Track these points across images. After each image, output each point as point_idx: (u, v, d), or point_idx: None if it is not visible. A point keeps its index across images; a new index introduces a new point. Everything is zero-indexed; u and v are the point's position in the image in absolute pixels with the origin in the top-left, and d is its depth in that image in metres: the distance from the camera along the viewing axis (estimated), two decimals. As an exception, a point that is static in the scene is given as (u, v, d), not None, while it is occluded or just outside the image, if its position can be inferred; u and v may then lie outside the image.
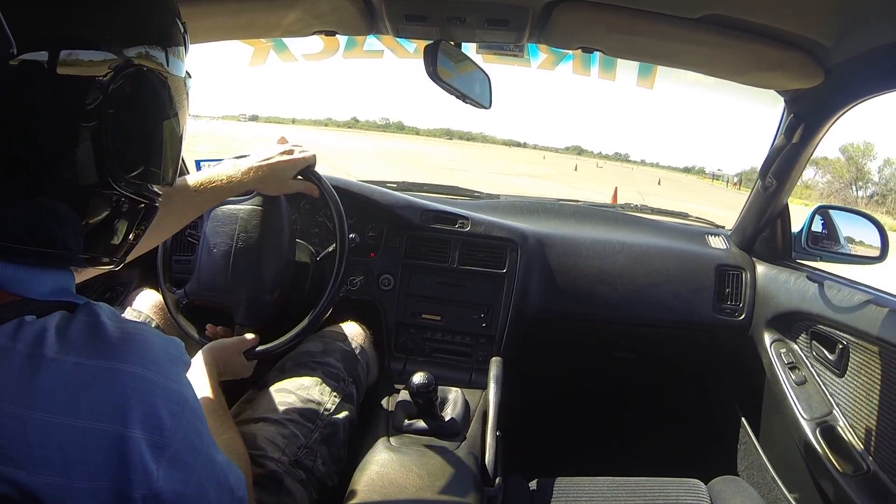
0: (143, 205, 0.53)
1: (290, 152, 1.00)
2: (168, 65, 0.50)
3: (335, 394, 1.01)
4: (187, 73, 0.55)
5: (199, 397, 0.50)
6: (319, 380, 1.01)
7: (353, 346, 1.14)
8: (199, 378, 0.86)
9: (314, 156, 1.02)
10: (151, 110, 0.50)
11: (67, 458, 0.40)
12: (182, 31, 0.54)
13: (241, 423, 0.92)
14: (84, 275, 0.57)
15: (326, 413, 0.97)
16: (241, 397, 1.03)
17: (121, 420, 0.42)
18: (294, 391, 0.98)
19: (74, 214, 0.47)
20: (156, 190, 0.54)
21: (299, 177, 1.02)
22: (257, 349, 1.00)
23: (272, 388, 0.99)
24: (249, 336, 1.00)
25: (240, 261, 1.04)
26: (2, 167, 0.42)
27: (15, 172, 0.42)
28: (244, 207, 1.05)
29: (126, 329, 0.45)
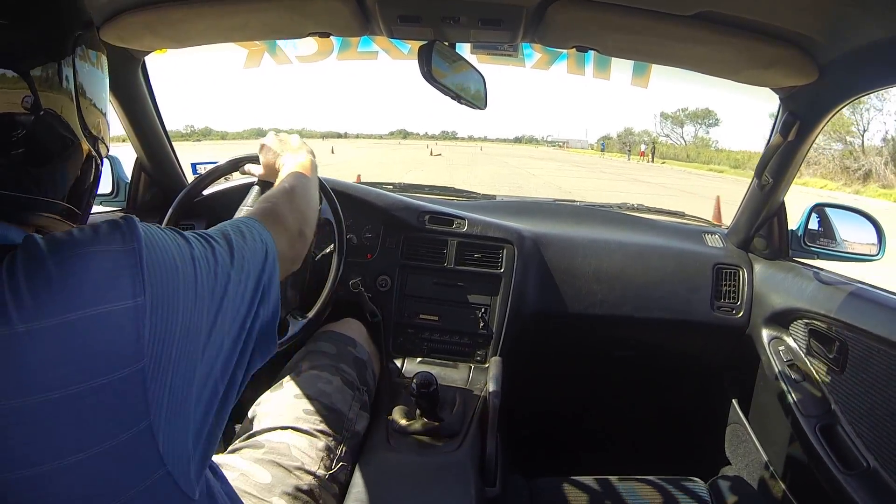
0: (97, 161, 0.53)
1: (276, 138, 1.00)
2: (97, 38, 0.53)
3: (354, 403, 1.01)
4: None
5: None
6: (339, 387, 1.01)
7: (362, 353, 1.15)
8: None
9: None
10: (98, 71, 0.52)
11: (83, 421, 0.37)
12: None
13: (266, 431, 0.92)
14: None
15: (350, 423, 0.98)
16: (254, 399, 1.02)
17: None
18: (317, 398, 0.97)
19: (53, 167, 0.46)
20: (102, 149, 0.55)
21: None
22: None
23: (292, 393, 0.98)
24: None
25: None
26: None
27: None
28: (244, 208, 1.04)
29: (65, 266, 0.39)
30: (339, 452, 0.92)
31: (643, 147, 50.83)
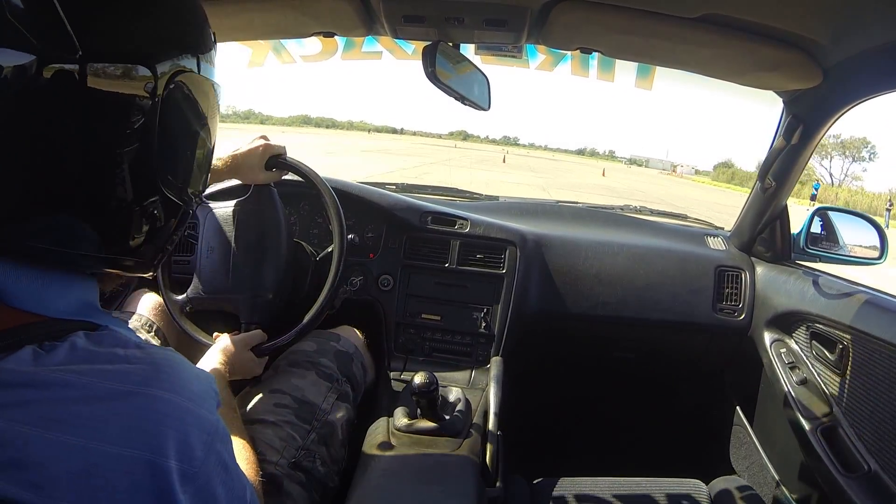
0: (180, 209, 0.52)
1: (263, 142, 1.04)
2: (200, 72, 0.51)
3: (330, 393, 1.01)
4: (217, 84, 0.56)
5: None
6: (313, 380, 1.01)
7: (347, 347, 1.14)
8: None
9: (283, 146, 1.06)
10: (193, 117, 0.51)
11: (93, 484, 0.38)
12: (213, 38, 0.55)
13: None
14: (110, 283, 0.55)
15: (322, 413, 0.97)
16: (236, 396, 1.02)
17: (154, 447, 0.40)
18: (289, 392, 0.97)
19: (106, 215, 0.46)
20: (191, 194, 0.54)
21: (273, 168, 1.04)
22: (264, 346, 1.00)
23: (266, 389, 0.98)
24: (257, 333, 1.00)
25: (239, 261, 1.04)
26: (41, 172, 0.41)
27: (55, 177, 0.41)
28: (240, 208, 1.05)
29: (157, 354, 0.45)
30: (303, 441, 0.91)
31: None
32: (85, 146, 0.42)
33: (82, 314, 0.45)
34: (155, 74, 0.45)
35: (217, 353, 0.93)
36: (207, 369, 0.88)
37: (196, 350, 0.99)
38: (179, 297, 1.08)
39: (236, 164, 1.01)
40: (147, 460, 0.40)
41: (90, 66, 0.40)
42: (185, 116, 0.50)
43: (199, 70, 0.51)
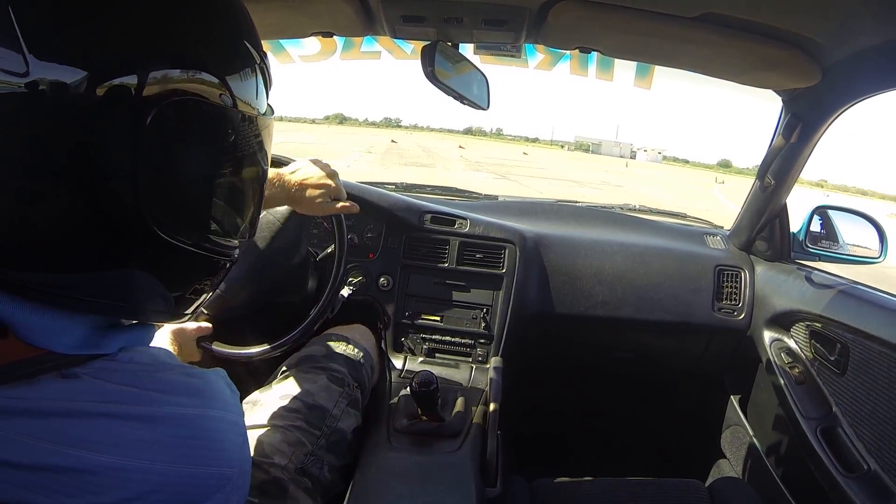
0: (213, 261, 0.48)
1: (330, 177, 0.94)
2: (228, 93, 0.43)
3: (341, 399, 1.00)
4: (269, 107, 0.48)
5: None
6: (324, 385, 1.01)
7: (357, 351, 1.14)
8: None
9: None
10: (206, 146, 0.43)
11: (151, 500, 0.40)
12: (257, 58, 0.46)
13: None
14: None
15: (333, 420, 0.97)
16: (243, 398, 1.02)
17: (214, 461, 0.44)
18: (299, 397, 0.97)
19: (128, 264, 0.42)
20: (226, 243, 0.48)
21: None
22: (215, 348, 1.03)
23: (277, 393, 0.98)
24: (205, 324, 1.02)
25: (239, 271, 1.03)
26: (51, 219, 0.38)
27: (64, 223, 0.38)
28: None
29: (196, 376, 0.47)
30: (312, 447, 0.90)
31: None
32: (85, 183, 0.38)
33: (91, 348, 0.42)
34: (140, 90, 0.37)
35: (170, 333, 0.95)
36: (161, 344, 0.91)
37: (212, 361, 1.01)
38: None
39: (298, 197, 0.91)
40: (209, 474, 0.43)
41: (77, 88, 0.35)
42: (188, 147, 0.42)
43: (226, 92, 0.42)
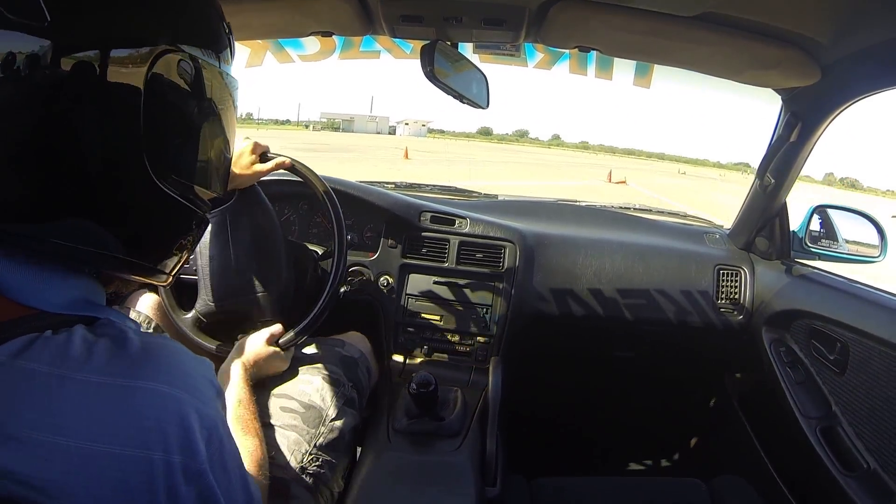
0: (190, 213, 0.51)
1: (249, 142, 1.03)
2: (205, 58, 0.50)
3: (336, 399, 1.00)
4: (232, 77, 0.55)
5: (229, 398, 0.49)
6: (319, 385, 1.01)
7: (352, 352, 1.14)
8: (233, 378, 0.87)
9: (267, 145, 1.05)
10: (194, 99, 0.49)
11: (94, 486, 0.38)
12: (226, 30, 0.54)
13: None
14: (112, 285, 0.53)
15: (329, 419, 0.97)
16: None
17: (157, 444, 0.40)
18: (295, 397, 0.97)
19: (113, 213, 0.45)
20: (203, 197, 0.53)
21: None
22: (285, 338, 1.00)
23: (272, 393, 0.98)
24: (277, 327, 1.00)
25: (242, 263, 1.03)
26: (33, 164, 0.40)
27: (49, 169, 0.40)
28: (230, 213, 1.03)
29: (152, 344, 0.43)
30: (309, 446, 0.91)
31: None
32: (78, 141, 0.41)
33: (80, 309, 0.44)
34: (138, 57, 0.43)
35: (238, 352, 0.93)
36: (231, 372, 0.89)
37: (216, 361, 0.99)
38: (188, 315, 1.08)
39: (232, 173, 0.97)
40: (150, 459, 0.39)
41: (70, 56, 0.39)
42: (178, 105, 0.48)
43: (204, 56, 0.49)
